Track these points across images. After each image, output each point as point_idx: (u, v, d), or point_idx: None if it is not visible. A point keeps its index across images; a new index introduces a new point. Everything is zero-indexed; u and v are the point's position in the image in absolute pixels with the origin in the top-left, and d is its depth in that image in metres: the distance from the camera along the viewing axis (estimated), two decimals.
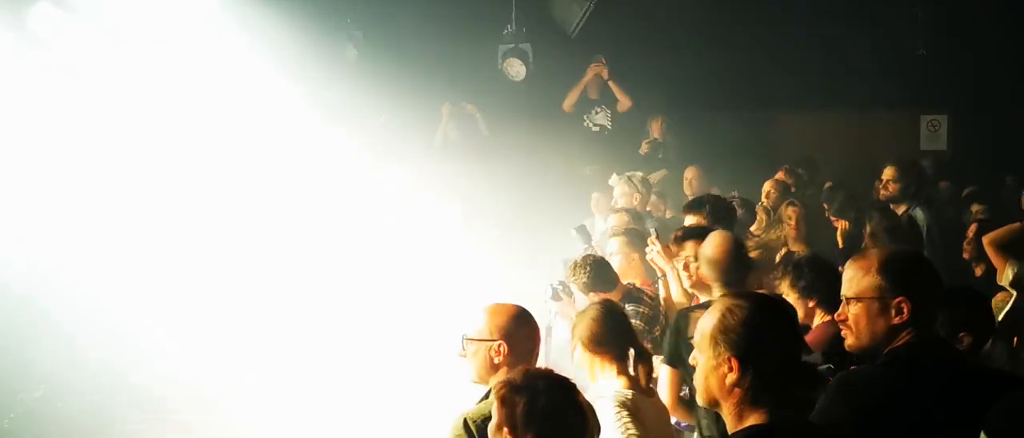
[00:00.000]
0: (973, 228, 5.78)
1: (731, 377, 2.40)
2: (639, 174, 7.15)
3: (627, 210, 6.52)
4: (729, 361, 2.41)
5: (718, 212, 5.07)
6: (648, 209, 6.97)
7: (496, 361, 3.22)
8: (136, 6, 7.62)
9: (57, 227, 7.02)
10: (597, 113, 9.67)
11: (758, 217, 6.55)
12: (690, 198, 6.11)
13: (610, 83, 9.54)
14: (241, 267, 7.64)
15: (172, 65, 7.78)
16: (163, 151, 7.68)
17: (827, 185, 7.60)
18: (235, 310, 7.72)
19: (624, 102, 9.52)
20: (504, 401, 2.68)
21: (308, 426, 6.55)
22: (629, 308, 4.62)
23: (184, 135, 7.69)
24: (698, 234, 4.34)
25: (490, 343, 3.23)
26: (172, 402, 6.92)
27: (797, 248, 5.85)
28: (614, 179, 7.04)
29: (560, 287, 5.07)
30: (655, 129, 9.30)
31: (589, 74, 9.55)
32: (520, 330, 3.25)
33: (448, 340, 3.46)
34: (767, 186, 7.58)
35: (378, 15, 9.23)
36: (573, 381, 2.79)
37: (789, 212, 6.12)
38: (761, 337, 2.41)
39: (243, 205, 7.80)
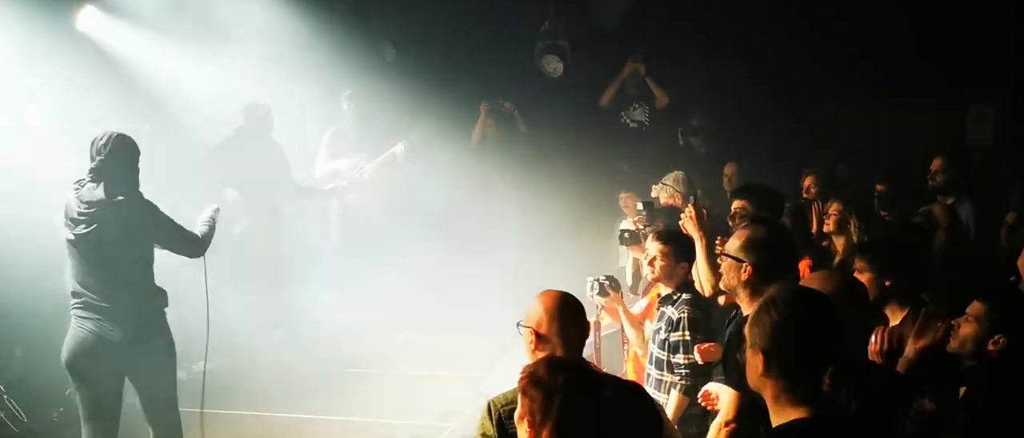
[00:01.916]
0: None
1: (760, 369, 2.41)
2: (677, 174, 7.08)
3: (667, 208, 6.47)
4: (758, 353, 2.42)
5: (764, 200, 5.03)
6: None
7: (535, 347, 3.20)
8: (178, 6, 7.80)
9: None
10: (635, 109, 9.63)
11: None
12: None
13: (647, 79, 9.50)
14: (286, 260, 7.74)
15: (214, 62, 7.93)
16: (207, 145, 7.82)
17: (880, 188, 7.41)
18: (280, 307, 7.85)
19: (661, 98, 9.48)
20: (524, 392, 2.64)
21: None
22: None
23: (226, 129, 7.82)
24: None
25: (529, 329, 3.22)
26: (219, 396, 7.01)
27: (839, 243, 5.75)
28: (655, 190, 7.03)
29: (606, 282, 5.00)
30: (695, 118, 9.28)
31: (626, 70, 9.52)
32: (559, 318, 3.19)
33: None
34: (807, 180, 7.49)
35: (416, 14, 9.26)
36: (603, 374, 2.75)
37: (835, 207, 5.97)
38: (787, 333, 2.38)
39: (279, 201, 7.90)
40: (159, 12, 7.78)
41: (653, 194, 6.90)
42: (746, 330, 2.50)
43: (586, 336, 3.28)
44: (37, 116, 6.80)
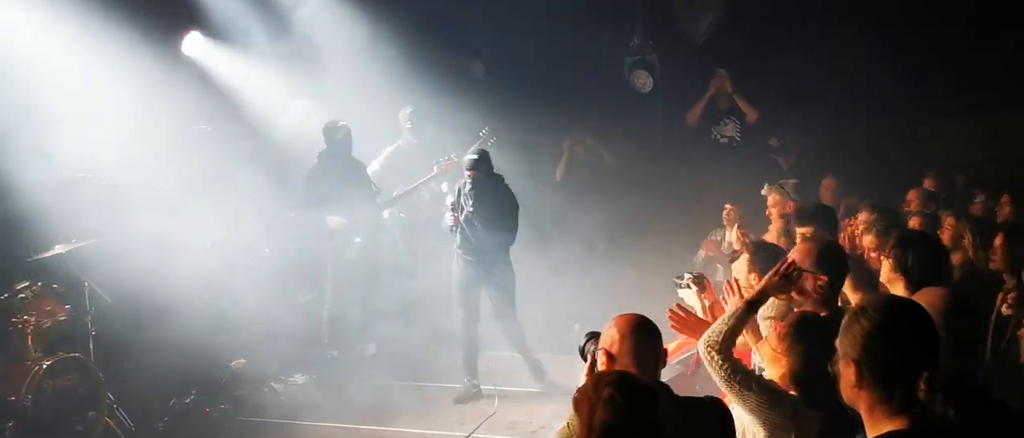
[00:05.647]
0: None
1: (853, 380, 2.35)
2: (791, 181, 7.04)
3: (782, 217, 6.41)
4: (850, 364, 2.35)
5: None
6: None
7: (607, 369, 3.17)
8: (276, 29, 8.09)
9: (204, 241, 7.43)
10: (725, 125, 9.52)
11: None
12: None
13: (735, 97, 9.38)
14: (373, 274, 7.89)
15: (311, 80, 8.18)
16: (302, 159, 8.05)
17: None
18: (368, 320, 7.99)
19: (751, 114, 9.35)
20: (575, 407, 2.63)
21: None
22: None
23: (321, 143, 8.01)
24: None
25: (602, 351, 3.22)
26: (309, 409, 7.17)
27: (954, 259, 5.49)
28: (766, 189, 6.96)
29: (690, 276, 4.93)
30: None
31: (711, 88, 9.43)
32: (631, 339, 3.16)
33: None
34: (911, 194, 7.28)
35: (505, 30, 9.33)
36: (656, 391, 2.70)
37: (949, 222, 5.69)
38: (879, 340, 2.32)
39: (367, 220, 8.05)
40: (257, 36, 8.08)
41: (763, 193, 6.84)
42: (837, 342, 2.43)
43: (662, 360, 3.24)
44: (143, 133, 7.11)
